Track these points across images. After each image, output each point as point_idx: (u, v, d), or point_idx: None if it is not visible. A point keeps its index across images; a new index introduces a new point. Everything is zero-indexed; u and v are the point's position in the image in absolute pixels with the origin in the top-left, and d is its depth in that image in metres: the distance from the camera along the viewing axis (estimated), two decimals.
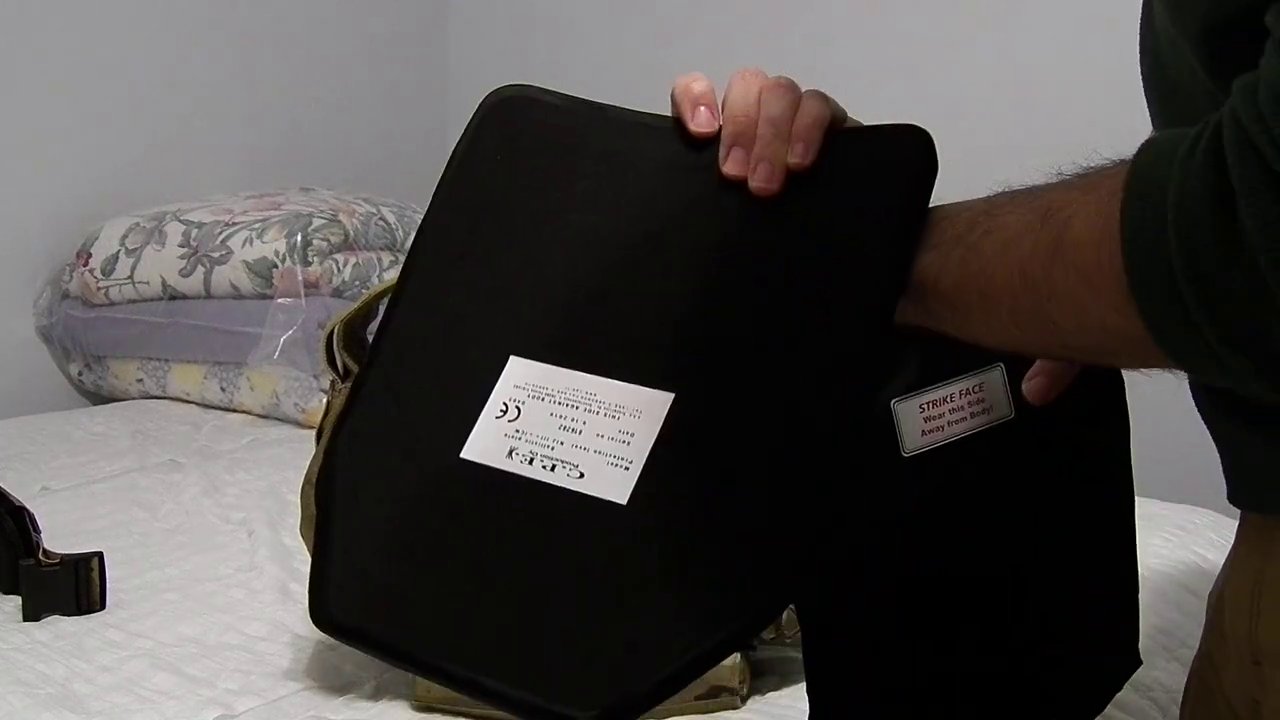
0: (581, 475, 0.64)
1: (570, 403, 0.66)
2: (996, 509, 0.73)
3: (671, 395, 0.65)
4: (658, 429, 0.64)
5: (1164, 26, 0.63)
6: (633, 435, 0.64)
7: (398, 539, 0.68)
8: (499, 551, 0.65)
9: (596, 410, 0.66)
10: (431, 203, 0.75)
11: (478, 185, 0.75)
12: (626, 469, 0.63)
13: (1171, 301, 0.49)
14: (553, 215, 0.72)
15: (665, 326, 0.68)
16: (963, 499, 0.72)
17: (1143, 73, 0.69)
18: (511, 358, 0.69)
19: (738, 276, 0.68)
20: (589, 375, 0.67)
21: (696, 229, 0.69)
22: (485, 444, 0.67)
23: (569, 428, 0.66)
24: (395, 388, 0.72)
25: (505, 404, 0.67)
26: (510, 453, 0.66)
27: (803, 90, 0.67)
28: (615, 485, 0.63)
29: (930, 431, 0.69)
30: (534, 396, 0.67)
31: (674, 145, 0.70)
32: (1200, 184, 0.48)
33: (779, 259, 0.67)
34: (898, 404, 0.68)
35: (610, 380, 0.66)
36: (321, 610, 0.66)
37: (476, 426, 0.67)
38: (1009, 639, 0.76)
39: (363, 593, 0.66)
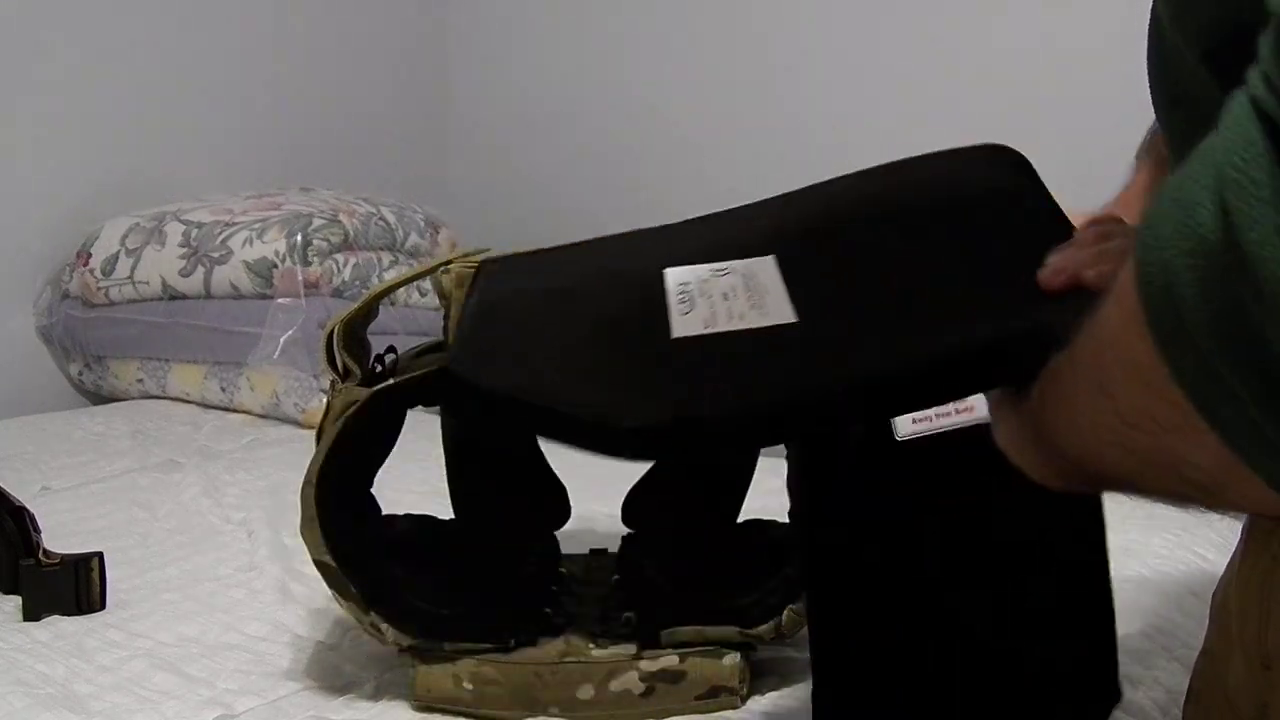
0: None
1: (730, 277, 0.73)
2: (988, 506, 0.74)
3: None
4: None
5: (1168, 33, 0.62)
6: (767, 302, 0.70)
7: (533, 309, 0.79)
8: (611, 323, 0.73)
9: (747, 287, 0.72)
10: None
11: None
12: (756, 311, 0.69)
13: (1169, 305, 0.45)
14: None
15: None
16: (954, 494, 0.74)
17: (1150, 85, 0.69)
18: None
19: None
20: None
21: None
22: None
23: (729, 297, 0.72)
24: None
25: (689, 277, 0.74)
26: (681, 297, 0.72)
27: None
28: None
29: (920, 419, 0.74)
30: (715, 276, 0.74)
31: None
32: (1198, 178, 0.45)
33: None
34: None
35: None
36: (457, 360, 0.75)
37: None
38: (1006, 640, 0.76)
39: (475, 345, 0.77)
